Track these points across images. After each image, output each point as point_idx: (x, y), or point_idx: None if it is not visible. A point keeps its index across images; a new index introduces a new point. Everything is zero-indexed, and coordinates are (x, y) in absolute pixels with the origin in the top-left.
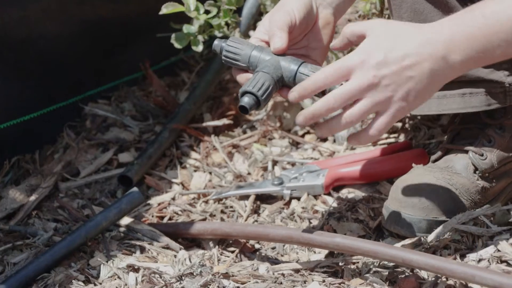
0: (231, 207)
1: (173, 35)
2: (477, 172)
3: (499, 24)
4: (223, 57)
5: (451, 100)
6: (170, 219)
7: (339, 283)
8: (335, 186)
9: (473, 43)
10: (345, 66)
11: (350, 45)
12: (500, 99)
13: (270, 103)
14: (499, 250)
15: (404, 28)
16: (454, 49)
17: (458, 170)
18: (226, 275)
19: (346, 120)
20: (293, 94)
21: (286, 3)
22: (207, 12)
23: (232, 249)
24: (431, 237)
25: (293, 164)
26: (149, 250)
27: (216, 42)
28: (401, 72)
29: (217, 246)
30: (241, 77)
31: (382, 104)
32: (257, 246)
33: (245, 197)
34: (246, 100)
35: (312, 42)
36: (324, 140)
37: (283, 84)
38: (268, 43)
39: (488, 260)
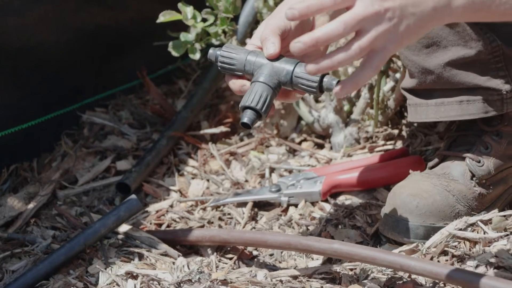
0: (229, 214)
1: (170, 43)
2: (474, 178)
3: None
4: (219, 65)
5: (448, 108)
6: (168, 226)
7: None
8: (333, 193)
9: None
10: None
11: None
12: (497, 106)
13: None
14: (496, 256)
15: None
16: None
17: (455, 176)
18: (225, 282)
19: (351, 52)
20: (298, 44)
21: (282, 9)
22: (204, 20)
23: (230, 256)
24: (428, 243)
25: (290, 171)
26: (147, 257)
27: (210, 51)
28: (404, 7)
29: (215, 253)
30: (234, 83)
31: (383, 37)
32: (255, 252)
33: (242, 204)
34: (247, 116)
35: None
36: (321, 147)
37: (280, 88)
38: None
39: (486, 266)
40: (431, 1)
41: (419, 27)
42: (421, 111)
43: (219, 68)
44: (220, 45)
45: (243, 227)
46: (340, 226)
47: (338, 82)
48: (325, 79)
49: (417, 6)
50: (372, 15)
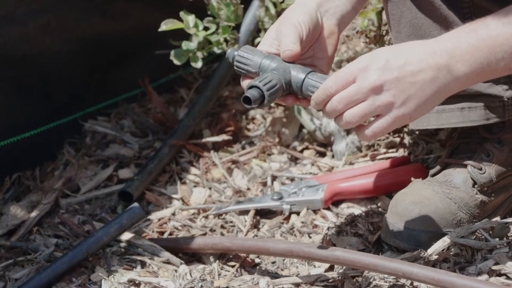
0: (231, 222)
1: (172, 52)
2: (476, 186)
3: (504, 36)
4: (234, 65)
5: (450, 114)
6: (170, 234)
7: None
8: (335, 200)
9: (477, 54)
10: (350, 72)
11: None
12: (499, 113)
13: (269, 119)
14: (498, 263)
15: (409, 42)
16: (458, 59)
17: (457, 184)
18: None
19: (346, 120)
20: (312, 103)
21: (291, 16)
22: (206, 28)
23: (232, 263)
24: (430, 250)
25: (292, 179)
26: (150, 265)
27: (229, 51)
28: (403, 78)
29: (217, 261)
30: (245, 83)
31: (383, 108)
32: (257, 260)
33: (244, 212)
34: (251, 93)
35: (317, 52)
36: (323, 155)
37: (289, 90)
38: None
39: (488, 273)
40: (430, 71)
41: (424, 97)
42: (423, 118)
43: (235, 68)
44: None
45: (245, 235)
46: (342, 234)
47: None
48: None
49: (416, 76)
50: (370, 90)
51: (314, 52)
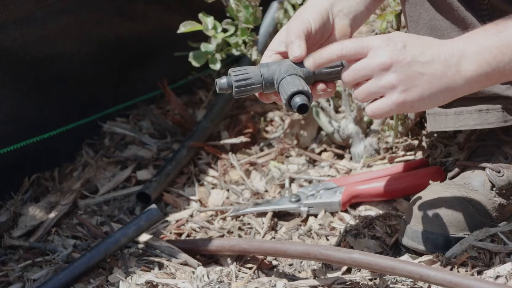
0: (249, 224)
1: (191, 54)
2: (494, 189)
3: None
4: (236, 89)
5: (468, 117)
6: (188, 236)
7: None
8: (352, 203)
9: (484, 53)
10: (365, 44)
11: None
12: None
13: (287, 121)
14: None
15: (427, 37)
16: (468, 59)
17: (475, 187)
18: None
19: (355, 95)
20: (309, 60)
21: (302, 13)
22: (224, 30)
23: (250, 265)
24: (448, 253)
25: (310, 182)
26: (167, 266)
27: (221, 81)
28: (414, 65)
29: (235, 263)
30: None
31: (385, 89)
32: (274, 262)
33: (262, 214)
34: (301, 98)
35: None
36: (341, 157)
37: (271, 88)
38: (284, 54)
39: (506, 277)
40: (440, 65)
41: (428, 89)
42: (440, 120)
43: (236, 91)
44: (224, 73)
45: (263, 237)
46: (359, 236)
47: (303, 107)
48: (294, 99)
49: (425, 67)
50: (379, 66)
51: None
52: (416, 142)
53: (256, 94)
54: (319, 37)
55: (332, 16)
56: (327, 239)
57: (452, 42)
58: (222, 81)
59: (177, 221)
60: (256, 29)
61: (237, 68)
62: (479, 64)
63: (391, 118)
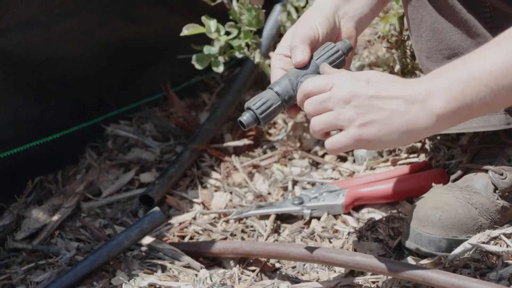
0: (252, 226)
1: (194, 56)
2: (497, 191)
3: (478, 69)
4: (262, 117)
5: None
6: (191, 238)
7: None
8: (355, 205)
9: (451, 87)
10: (330, 79)
11: None
12: None
13: (290, 123)
14: None
15: (397, 77)
16: (434, 94)
17: (478, 189)
18: None
19: (311, 125)
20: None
21: (309, 18)
22: (227, 33)
23: (252, 268)
24: (451, 256)
25: (313, 184)
26: (170, 269)
27: (244, 118)
28: (374, 100)
29: (238, 265)
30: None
31: (344, 123)
32: (277, 265)
33: (265, 216)
34: (246, 117)
35: None
36: (344, 160)
37: (292, 101)
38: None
39: (508, 279)
40: (403, 102)
41: (389, 126)
42: None
43: (262, 119)
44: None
45: (266, 239)
46: (362, 239)
47: None
48: None
49: (387, 103)
50: (338, 100)
51: None
52: (419, 145)
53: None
54: (326, 41)
55: (338, 19)
56: (330, 242)
57: (419, 80)
58: (246, 117)
59: (180, 223)
60: (259, 32)
61: (252, 99)
62: (446, 100)
63: None
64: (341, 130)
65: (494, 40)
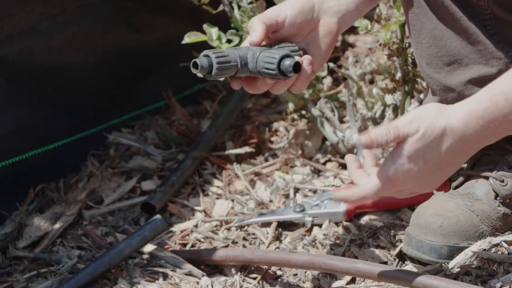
0: (253, 234)
1: None
2: (498, 198)
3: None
4: (217, 66)
5: None
6: (192, 246)
7: None
8: (357, 213)
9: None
10: (391, 183)
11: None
12: None
13: (292, 131)
14: None
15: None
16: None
17: (479, 196)
18: None
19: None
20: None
21: (285, 2)
22: (229, 41)
23: (254, 275)
24: (452, 263)
25: (314, 192)
26: (172, 277)
27: (202, 60)
28: (438, 168)
29: (239, 273)
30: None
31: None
32: (279, 272)
33: (267, 224)
34: (202, 59)
35: (311, 48)
36: (346, 167)
37: (246, 70)
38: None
39: (510, 287)
40: (456, 145)
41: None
42: None
43: (217, 69)
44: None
45: (267, 247)
46: (364, 246)
47: (297, 66)
48: (284, 62)
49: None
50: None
51: (307, 46)
52: None
53: (246, 87)
54: (297, 27)
55: (319, 11)
56: (332, 249)
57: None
58: (201, 61)
59: (181, 231)
60: None
61: (213, 49)
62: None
63: None
64: None
65: None
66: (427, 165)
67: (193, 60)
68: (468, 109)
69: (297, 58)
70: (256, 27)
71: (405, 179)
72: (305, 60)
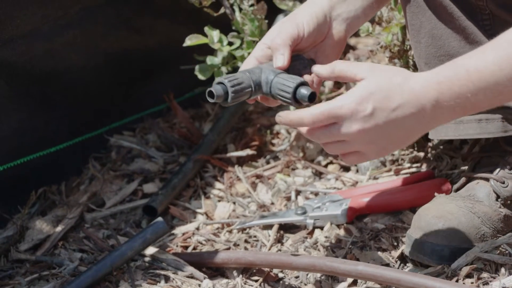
0: (255, 236)
1: (196, 67)
2: (499, 200)
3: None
4: (232, 94)
5: (467, 126)
6: (194, 248)
7: None
8: (358, 215)
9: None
10: (334, 114)
11: (334, 79)
12: None
13: (293, 133)
14: None
15: (393, 80)
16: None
17: (480, 198)
18: None
19: (327, 149)
20: (278, 117)
21: (297, 15)
22: (230, 43)
23: (256, 278)
24: (454, 265)
25: (316, 194)
26: (173, 279)
27: (217, 88)
28: (386, 127)
29: (241, 275)
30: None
31: (363, 150)
32: (280, 275)
33: (268, 226)
34: (216, 87)
35: (319, 57)
36: (347, 170)
37: (260, 92)
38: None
39: None
40: (409, 107)
41: (399, 140)
42: (441, 128)
43: (232, 96)
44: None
45: (269, 249)
46: (365, 249)
47: (313, 95)
48: (300, 91)
49: (398, 125)
50: (350, 135)
51: (315, 55)
52: (422, 154)
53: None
54: (311, 40)
55: (330, 19)
56: (333, 252)
57: (420, 82)
58: (217, 89)
59: (183, 234)
60: None
61: (226, 75)
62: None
63: None
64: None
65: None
66: (374, 116)
67: (208, 89)
68: (429, 75)
69: (305, 77)
70: (283, 51)
71: (348, 121)
72: (316, 82)
